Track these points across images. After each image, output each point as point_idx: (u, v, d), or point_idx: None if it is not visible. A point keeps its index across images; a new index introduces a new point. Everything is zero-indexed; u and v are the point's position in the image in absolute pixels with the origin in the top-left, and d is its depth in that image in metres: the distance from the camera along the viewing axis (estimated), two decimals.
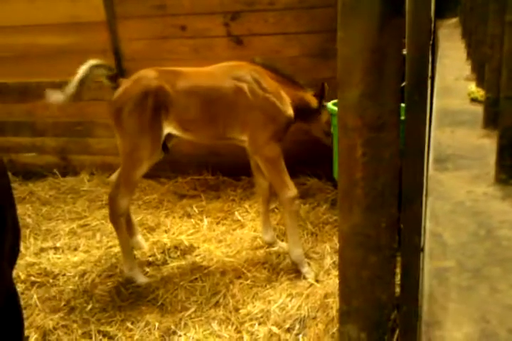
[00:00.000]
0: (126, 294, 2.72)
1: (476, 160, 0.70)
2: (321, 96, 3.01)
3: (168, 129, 2.68)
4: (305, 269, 2.81)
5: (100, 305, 2.66)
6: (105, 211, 3.80)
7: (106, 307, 2.64)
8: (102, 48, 4.01)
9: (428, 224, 0.57)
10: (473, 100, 0.93)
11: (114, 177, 2.97)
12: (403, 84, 1.58)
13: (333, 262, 2.87)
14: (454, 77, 1.09)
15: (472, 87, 0.94)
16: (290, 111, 2.76)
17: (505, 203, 0.57)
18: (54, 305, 2.69)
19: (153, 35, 3.92)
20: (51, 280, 2.91)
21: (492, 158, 0.69)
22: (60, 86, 2.63)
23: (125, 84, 2.68)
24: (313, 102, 3.02)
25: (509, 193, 0.59)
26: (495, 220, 0.55)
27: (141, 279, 2.82)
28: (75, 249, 3.28)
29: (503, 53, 0.65)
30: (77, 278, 2.92)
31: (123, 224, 2.81)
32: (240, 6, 3.66)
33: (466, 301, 0.43)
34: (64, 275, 2.96)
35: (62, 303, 2.70)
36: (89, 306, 2.65)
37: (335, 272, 2.73)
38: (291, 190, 2.69)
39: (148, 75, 2.67)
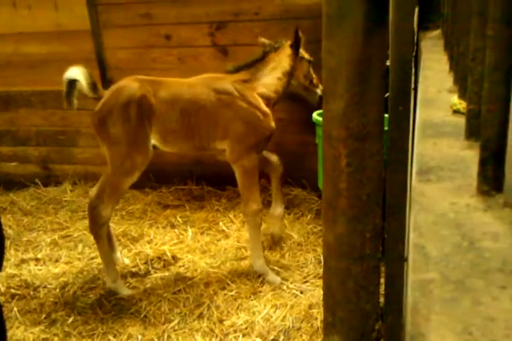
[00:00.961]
0: (109, 306, 2.68)
1: (458, 172, 0.71)
2: (297, 47, 2.90)
3: (152, 141, 2.69)
4: (270, 277, 2.85)
5: (82, 317, 2.62)
6: (87, 221, 3.74)
7: (88, 319, 2.60)
8: (86, 57, 3.99)
9: (411, 236, 0.57)
10: (456, 112, 0.94)
11: (95, 189, 2.92)
12: (387, 95, 1.59)
13: (318, 272, 2.87)
14: (436, 89, 1.11)
15: (454, 98, 0.95)
16: (272, 124, 2.79)
17: (488, 215, 0.58)
18: (34, 317, 2.64)
19: (138, 44, 3.91)
20: (32, 293, 2.86)
21: (474, 170, 0.69)
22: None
23: (107, 95, 2.67)
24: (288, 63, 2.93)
25: (491, 205, 0.60)
26: (477, 232, 0.55)
27: (125, 291, 2.78)
28: (57, 261, 3.23)
29: (484, 66, 0.65)
30: (58, 290, 2.87)
31: (104, 235, 2.78)
32: (226, 16, 3.68)
33: (449, 313, 0.43)
34: (45, 287, 2.91)
35: (43, 316, 2.65)
36: (71, 319, 2.61)
37: (319, 282, 2.73)
38: (257, 204, 2.78)
39: (131, 85, 2.66)
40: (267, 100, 2.84)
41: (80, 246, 3.40)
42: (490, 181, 0.60)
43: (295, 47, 2.90)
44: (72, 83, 2.61)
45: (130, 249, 3.27)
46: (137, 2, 3.81)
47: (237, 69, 2.88)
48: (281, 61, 2.90)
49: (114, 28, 3.91)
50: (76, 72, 2.60)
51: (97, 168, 4.33)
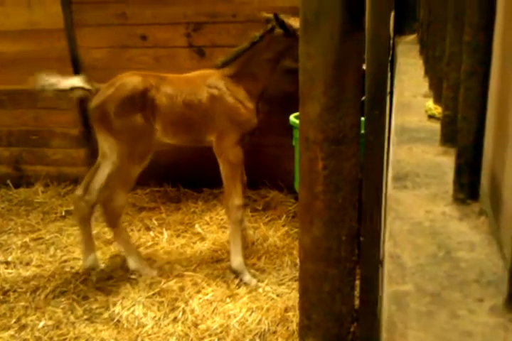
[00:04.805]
0: (81, 311, 2.62)
1: (434, 178, 0.70)
2: (283, 27, 2.83)
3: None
4: (246, 277, 2.85)
5: (53, 322, 2.56)
6: (59, 223, 3.69)
7: (59, 324, 2.54)
8: (59, 56, 3.92)
9: (387, 245, 0.55)
10: (431, 117, 0.94)
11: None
12: (363, 98, 1.59)
13: (294, 275, 2.86)
14: (412, 94, 1.10)
15: (430, 103, 0.95)
16: (255, 121, 2.92)
17: (463, 223, 0.57)
18: (4, 322, 2.57)
19: (113, 43, 3.85)
20: (1, 297, 2.78)
21: (450, 176, 0.68)
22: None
23: (108, 88, 2.72)
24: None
25: (467, 213, 0.59)
26: (453, 241, 0.54)
27: (150, 271, 2.89)
28: (27, 264, 3.15)
29: (460, 72, 0.65)
30: (28, 294, 2.79)
31: (122, 225, 2.91)
32: (203, 17, 3.65)
33: (425, 328, 0.42)
34: (15, 291, 2.83)
35: (13, 320, 2.58)
36: (42, 323, 2.54)
37: (295, 285, 2.72)
38: (240, 199, 2.84)
39: (134, 79, 2.74)
40: (254, 93, 2.95)
41: (52, 248, 3.33)
42: (466, 189, 0.59)
43: (282, 28, 2.85)
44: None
45: (104, 252, 3.21)
46: (113, 1, 3.75)
47: (225, 64, 2.96)
48: (269, 48, 2.93)
49: (88, 27, 3.84)
50: (74, 80, 2.71)
51: (70, 169, 4.25)
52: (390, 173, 0.73)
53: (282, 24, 2.83)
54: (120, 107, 2.65)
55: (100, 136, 2.79)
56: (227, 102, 2.83)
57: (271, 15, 2.91)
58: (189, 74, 2.99)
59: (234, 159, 2.83)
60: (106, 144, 2.80)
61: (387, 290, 0.48)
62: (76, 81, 2.71)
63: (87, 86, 2.71)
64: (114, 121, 2.67)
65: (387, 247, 0.54)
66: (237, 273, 2.88)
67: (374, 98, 1.73)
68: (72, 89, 2.69)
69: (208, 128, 2.85)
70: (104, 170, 2.87)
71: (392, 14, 2.00)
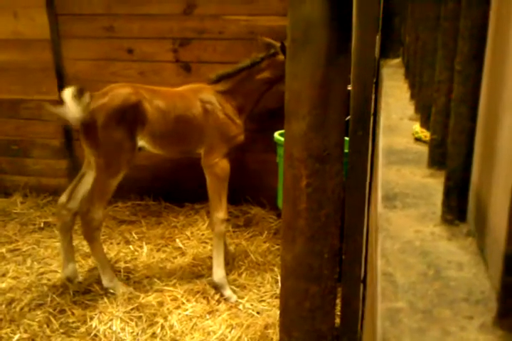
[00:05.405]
0: (57, 324, 2.58)
1: (422, 199, 0.72)
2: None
3: (140, 142, 2.79)
4: (227, 292, 2.84)
5: (28, 335, 2.51)
6: (37, 235, 3.63)
7: (34, 337, 2.49)
8: (44, 67, 3.91)
9: (379, 263, 0.57)
10: (418, 140, 0.97)
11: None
12: (347, 118, 1.63)
13: (275, 292, 2.86)
14: (398, 117, 1.14)
15: (416, 127, 0.98)
16: (242, 137, 2.99)
17: (452, 244, 0.59)
18: None
19: (98, 56, 3.86)
20: None
21: (437, 198, 0.71)
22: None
23: (100, 98, 2.69)
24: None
25: (455, 234, 0.61)
26: (443, 260, 0.56)
27: (123, 289, 2.84)
28: (3, 275, 3.09)
29: (450, 98, 0.68)
30: (4, 306, 2.74)
31: (99, 238, 2.86)
32: (190, 33, 3.69)
33: None
34: None
35: None
36: (16, 337, 2.49)
37: (276, 302, 2.72)
38: (224, 212, 2.87)
39: (126, 90, 2.74)
40: (245, 110, 3.04)
41: (29, 260, 3.28)
42: (454, 211, 0.62)
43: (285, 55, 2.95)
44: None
45: (82, 265, 3.17)
46: (100, 14, 3.77)
47: (219, 79, 3.01)
48: (267, 71, 3.01)
49: (74, 39, 3.85)
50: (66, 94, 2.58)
51: (50, 180, 4.21)
52: (379, 193, 0.75)
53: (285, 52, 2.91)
54: (109, 118, 2.64)
55: (84, 144, 2.78)
56: (219, 117, 2.89)
57: (271, 41, 3.03)
58: (180, 88, 3.03)
59: (221, 173, 2.86)
60: (87, 153, 2.82)
61: (381, 306, 0.49)
62: (74, 108, 2.50)
63: (84, 112, 2.55)
64: (99, 131, 2.65)
65: (380, 265, 0.56)
66: (218, 287, 2.87)
67: (358, 118, 1.77)
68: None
69: (199, 142, 2.89)
70: (89, 179, 2.87)
71: (378, 37, 2.06)
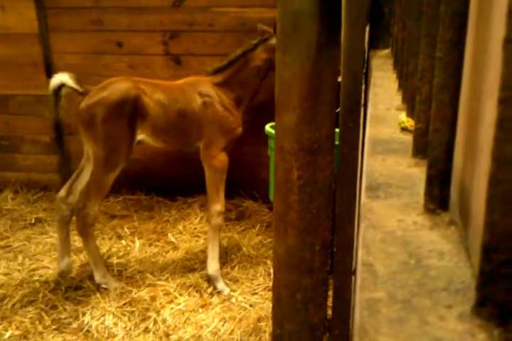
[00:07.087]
0: (49, 320, 2.57)
1: (405, 189, 0.72)
2: None
3: (140, 136, 2.78)
4: (220, 285, 2.85)
5: (20, 332, 2.50)
6: (29, 231, 3.61)
7: (27, 334, 2.48)
8: (33, 61, 3.87)
9: (360, 253, 0.57)
10: (404, 129, 0.96)
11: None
12: (338, 110, 1.62)
13: (267, 285, 2.86)
14: (385, 107, 1.13)
15: (403, 116, 0.97)
16: (240, 129, 3.00)
17: (434, 233, 0.58)
18: None
19: (88, 49, 3.82)
20: None
21: (421, 187, 0.70)
22: None
23: (100, 91, 2.69)
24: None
25: (437, 223, 0.61)
26: (424, 250, 0.55)
27: (115, 284, 2.83)
28: None
29: (432, 86, 0.67)
30: None
31: (93, 234, 2.86)
32: (180, 25, 3.66)
33: (396, 334, 0.43)
34: None
35: None
36: (8, 333, 2.48)
37: (268, 295, 2.72)
38: (221, 205, 2.88)
39: (126, 84, 2.73)
40: (243, 101, 3.05)
41: (20, 257, 3.26)
42: (436, 200, 0.61)
43: None
44: (58, 91, 2.65)
45: (74, 261, 3.15)
46: (89, 7, 3.73)
47: (216, 71, 3.02)
48: (262, 56, 3.01)
49: (63, 33, 3.81)
50: (61, 77, 2.65)
51: (41, 176, 4.18)
52: (363, 183, 0.75)
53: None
54: (109, 112, 2.63)
55: (83, 138, 2.77)
56: (218, 110, 2.90)
57: (267, 28, 3.02)
58: (179, 82, 3.02)
59: (219, 165, 2.88)
60: (86, 147, 2.81)
61: (360, 297, 0.49)
62: (66, 78, 2.65)
63: (76, 85, 2.66)
64: (99, 125, 2.64)
65: (361, 255, 0.55)
66: (211, 280, 2.87)
67: (349, 110, 1.76)
68: (62, 85, 2.64)
69: (198, 135, 2.90)
70: (88, 173, 2.86)
71: (367, 28, 2.05)
